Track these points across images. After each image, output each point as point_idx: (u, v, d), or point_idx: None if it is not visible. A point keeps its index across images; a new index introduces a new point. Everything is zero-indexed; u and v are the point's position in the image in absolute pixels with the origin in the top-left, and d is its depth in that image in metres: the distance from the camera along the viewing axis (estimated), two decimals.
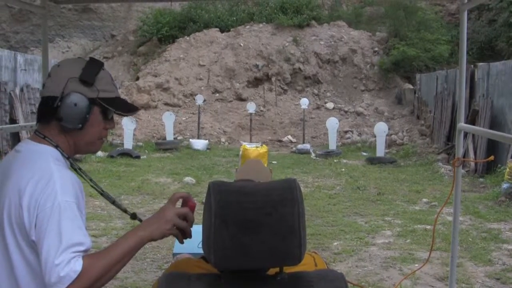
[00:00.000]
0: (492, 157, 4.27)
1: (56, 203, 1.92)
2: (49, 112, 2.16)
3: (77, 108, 2.15)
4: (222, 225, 1.93)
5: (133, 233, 2.05)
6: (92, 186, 2.30)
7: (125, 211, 2.40)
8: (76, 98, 2.14)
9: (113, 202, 2.41)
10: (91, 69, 2.20)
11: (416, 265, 7.11)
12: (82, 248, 1.89)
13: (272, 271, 2.12)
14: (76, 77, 2.16)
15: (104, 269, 1.92)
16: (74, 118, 2.16)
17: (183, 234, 2.12)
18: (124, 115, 2.39)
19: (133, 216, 2.35)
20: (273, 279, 2.09)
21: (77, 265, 1.83)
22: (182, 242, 2.17)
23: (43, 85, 2.21)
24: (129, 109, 2.35)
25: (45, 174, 2.00)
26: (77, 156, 14.93)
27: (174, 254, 4.61)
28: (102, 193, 2.37)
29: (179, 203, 2.19)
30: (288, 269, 2.11)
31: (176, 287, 2.06)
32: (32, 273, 2.00)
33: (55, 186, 1.96)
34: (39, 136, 2.18)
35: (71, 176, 2.08)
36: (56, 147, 2.17)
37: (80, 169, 2.20)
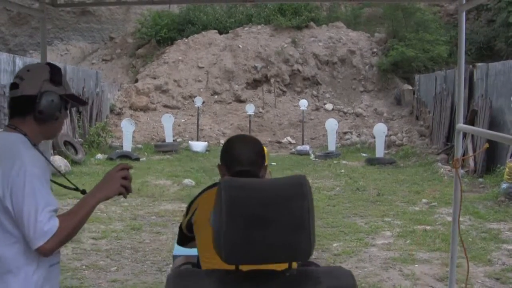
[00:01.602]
0: (487, 145, 4.26)
1: (28, 173, 2.37)
2: (26, 108, 2.59)
3: (53, 103, 2.61)
4: (232, 220, 1.95)
5: (91, 196, 2.51)
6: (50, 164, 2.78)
7: (76, 189, 2.80)
8: (52, 95, 2.61)
9: (65, 186, 2.85)
10: (57, 72, 2.69)
11: (416, 265, 7.11)
12: (53, 207, 2.38)
13: (280, 267, 2.13)
14: (48, 79, 2.63)
15: (74, 226, 2.41)
16: (52, 112, 2.61)
17: (126, 190, 2.56)
18: (81, 106, 3.01)
19: (83, 192, 2.70)
20: (282, 275, 2.10)
21: (55, 221, 2.34)
22: (125, 197, 2.62)
23: (15, 86, 2.61)
24: (82, 102, 2.91)
25: (14, 153, 2.44)
26: (77, 159, 14.98)
27: (174, 256, 4.62)
28: (60, 172, 3.00)
29: None
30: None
31: (185, 284, 2.08)
32: (3, 231, 2.42)
33: (23, 161, 2.41)
34: (10, 127, 2.60)
35: (36, 154, 2.54)
36: (25, 135, 2.56)
37: (41, 153, 2.60)
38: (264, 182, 2.15)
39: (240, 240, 1.96)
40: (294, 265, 2.20)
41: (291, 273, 2.09)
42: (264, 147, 3.08)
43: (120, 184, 2.53)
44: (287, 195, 2.01)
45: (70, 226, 2.39)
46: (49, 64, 2.72)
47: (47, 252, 2.35)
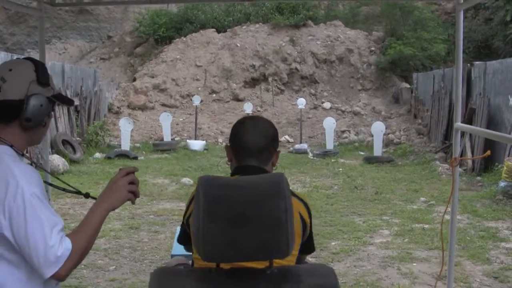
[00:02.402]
0: (488, 152, 4.27)
1: (26, 194, 2.11)
2: (10, 114, 2.31)
3: (42, 108, 2.34)
4: (211, 219, 1.96)
5: (97, 207, 2.29)
6: (40, 168, 2.56)
7: (78, 192, 2.62)
8: (41, 99, 2.33)
9: (64, 189, 2.66)
10: (43, 70, 2.40)
11: (415, 264, 7.12)
12: (60, 226, 2.14)
13: (261, 264, 2.12)
14: (35, 80, 2.34)
15: (86, 242, 2.20)
16: (40, 118, 2.35)
17: (134, 195, 2.41)
18: (68, 106, 2.58)
19: (87, 196, 2.58)
20: (263, 273, 2.10)
21: (68, 243, 2.12)
22: (134, 203, 2.44)
23: None
24: (69, 101, 2.63)
25: (4, 172, 2.16)
26: (75, 158, 14.98)
27: (173, 256, 4.62)
28: (57, 178, 2.73)
29: None
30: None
31: (167, 282, 2.08)
32: None
33: (17, 180, 2.13)
34: None
35: (29, 167, 2.25)
36: (11, 146, 2.30)
37: (33, 162, 2.45)
38: (243, 180, 2.14)
39: (218, 239, 1.96)
40: (284, 262, 2.20)
41: (271, 271, 2.10)
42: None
43: (127, 190, 2.37)
44: (265, 193, 2.01)
45: (83, 244, 2.18)
46: (33, 61, 2.41)
47: (63, 277, 2.14)
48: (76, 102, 17.73)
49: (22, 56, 17.38)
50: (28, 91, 2.30)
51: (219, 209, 1.97)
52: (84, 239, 2.19)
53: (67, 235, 2.17)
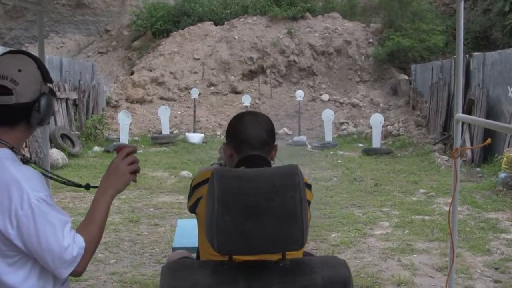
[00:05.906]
0: (489, 140, 4.24)
1: (32, 200, 2.05)
2: (19, 117, 2.23)
3: (50, 107, 2.32)
4: (225, 211, 1.95)
5: (102, 194, 2.27)
6: (37, 167, 2.46)
7: (78, 185, 2.59)
8: (48, 98, 2.30)
9: (64, 183, 2.60)
10: (44, 66, 2.33)
11: (415, 255, 7.12)
12: (69, 222, 2.12)
13: (274, 257, 2.12)
14: (42, 80, 2.29)
15: (97, 233, 2.21)
16: (49, 117, 2.35)
17: (136, 172, 2.37)
18: (54, 97, 2.45)
19: (87, 186, 2.57)
20: (276, 265, 2.10)
21: (81, 241, 2.11)
22: (136, 181, 2.39)
23: (7, 91, 2.18)
24: (54, 93, 2.46)
25: (7, 180, 2.08)
26: (74, 152, 14.96)
27: (174, 248, 4.61)
28: (58, 176, 2.60)
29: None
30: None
31: (179, 275, 2.08)
32: (3, 257, 2.11)
33: (21, 186, 2.06)
34: None
35: (30, 170, 2.18)
36: (12, 148, 2.21)
37: (29, 160, 2.34)
38: (256, 172, 2.13)
39: (232, 231, 1.96)
40: (296, 254, 2.18)
41: (284, 264, 2.10)
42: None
43: (129, 172, 2.31)
44: (280, 185, 2.00)
45: (96, 237, 2.19)
46: (31, 57, 2.31)
47: (81, 273, 2.15)
48: (75, 96, 17.73)
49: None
50: (40, 92, 2.26)
51: (233, 201, 1.96)
52: (95, 230, 2.19)
53: (78, 229, 2.16)
